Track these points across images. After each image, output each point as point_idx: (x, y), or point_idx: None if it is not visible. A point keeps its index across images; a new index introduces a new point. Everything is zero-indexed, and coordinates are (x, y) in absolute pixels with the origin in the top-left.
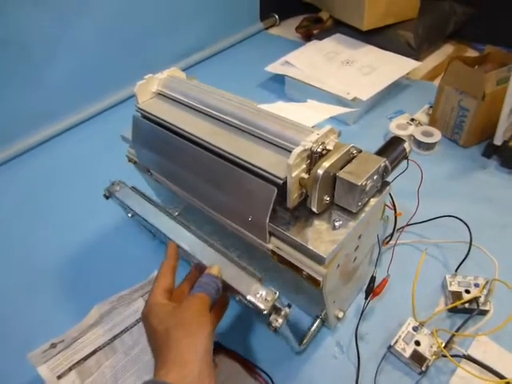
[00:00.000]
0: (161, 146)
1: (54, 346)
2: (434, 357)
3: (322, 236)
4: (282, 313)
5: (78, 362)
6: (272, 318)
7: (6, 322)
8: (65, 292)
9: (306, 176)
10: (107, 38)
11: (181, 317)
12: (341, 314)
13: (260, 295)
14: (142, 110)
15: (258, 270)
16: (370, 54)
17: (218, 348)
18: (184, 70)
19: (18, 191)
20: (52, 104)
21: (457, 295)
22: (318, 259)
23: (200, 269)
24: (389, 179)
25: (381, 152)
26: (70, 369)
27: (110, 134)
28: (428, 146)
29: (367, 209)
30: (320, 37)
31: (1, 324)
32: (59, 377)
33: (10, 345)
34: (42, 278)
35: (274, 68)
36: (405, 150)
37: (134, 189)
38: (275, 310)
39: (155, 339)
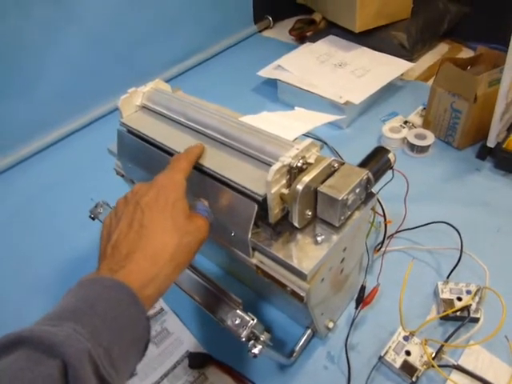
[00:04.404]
0: (145, 160)
1: None
2: (424, 367)
3: (304, 251)
4: (261, 339)
5: None
6: (250, 344)
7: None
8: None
9: (286, 191)
10: (97, 47)
11: (194, 232)
12: (331, 325)
13: (238, 322)
14: (125, 124)
15: (252, 281)
16: (363, 56)
17: (209, 360)
18: (176, 76)
19: (13, 202)
20: (44, 115)
21: (449, 303)
22: (301, 275)
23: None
24: (375, 189)
25: (365, 163)
26: None
27: (104, 143)
28: (421, 149)
29: (351, 222)
30: (313, 39)
31: None
32: None
33: None
34: (38, 286)
35: (267, 72)
36: (389, 160)
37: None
38: (254, 336)
39: (172, 215)
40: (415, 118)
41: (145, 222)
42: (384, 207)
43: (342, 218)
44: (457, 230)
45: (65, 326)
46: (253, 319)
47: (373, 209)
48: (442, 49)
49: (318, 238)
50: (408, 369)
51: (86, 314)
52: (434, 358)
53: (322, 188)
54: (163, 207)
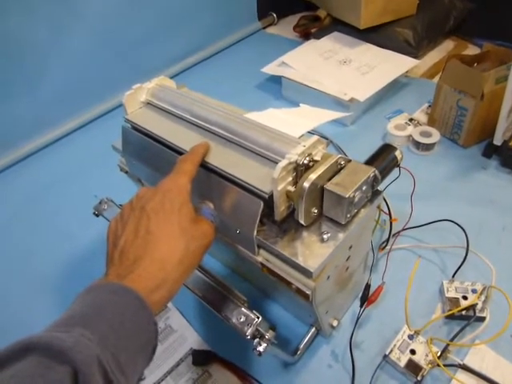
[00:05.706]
0: (150, 157)
1: None
2: (429, 366)
3: (310, 249)
4: (266, 337)
5: None
6: (255, 342)
7: (4, 328)
8: (63, 298)
9: (292, 189)
10: (100, 43)
11: (200, 237)
12: (335, 323)
13: (243, 320)
14: (130, 121)
15: (256, 279)
16: (368, 53)
17: (212, 357)
18: (180, 73)
19: (16, 200)
20: (47, 111)
21: (454, 301)
22: (306, 273)
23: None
24: (381, 187)
25: (371, 160)
26: None
27: (107, 140)
28: (427, 147)
29: (357, 220)
30: (318, 35)
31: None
32: None
33: None
34: (41, 285)
35: (271, 69)
36: (396, 158)
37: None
38: (259, 334)
39: (178, 220)
40: (420, 115)
41: (151, 228)
42: (389, 205)
43: (349, 215)
44: (462, 229)
45: (73, 331)
46: (258, 317)
47: (378, 207)
48: (448, 46)
49: (324, 236)
50: (413, 368)
51: (93, 320)
52: (439, 357)
53: (329, 186)
54: (169, 212)
